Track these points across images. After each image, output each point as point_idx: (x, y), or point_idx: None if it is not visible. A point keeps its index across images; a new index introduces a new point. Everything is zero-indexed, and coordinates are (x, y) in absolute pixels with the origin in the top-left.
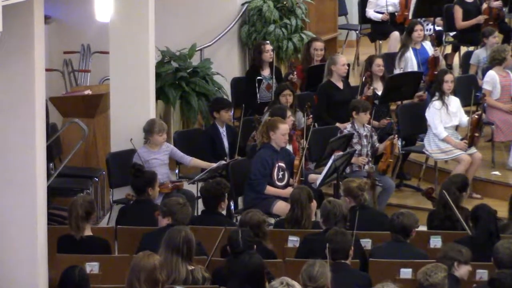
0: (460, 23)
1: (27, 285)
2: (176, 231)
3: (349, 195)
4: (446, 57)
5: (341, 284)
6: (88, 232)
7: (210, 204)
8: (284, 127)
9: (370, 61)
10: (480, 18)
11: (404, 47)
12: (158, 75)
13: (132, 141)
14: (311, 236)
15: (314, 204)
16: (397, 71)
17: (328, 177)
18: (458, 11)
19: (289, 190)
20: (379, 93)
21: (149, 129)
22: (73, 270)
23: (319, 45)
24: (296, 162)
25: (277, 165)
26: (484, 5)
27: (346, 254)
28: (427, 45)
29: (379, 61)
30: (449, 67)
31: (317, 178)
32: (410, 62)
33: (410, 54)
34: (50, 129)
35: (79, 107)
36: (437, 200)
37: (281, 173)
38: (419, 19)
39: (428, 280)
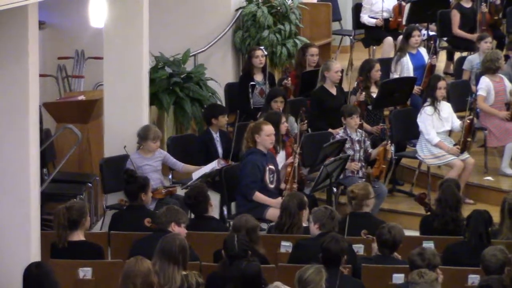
0: (457, 29)
1: None
2: (170, 239)
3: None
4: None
5: None
6: (80, 237)
7: (199, 210)
8: (268, 128)
9: (369, 66)
10: (474, 36)
11: (400, 51)
12: (152, 81)
13: (126, 149)
14: (304, 242)
15: (306, 211)
16: (393, 75)
17: (320, 183)
18: (456, 16)
19: (279, 200)
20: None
21: (144, 136)
22: (30, 267)
23: (313, 50)
24: (288, 169)
25: (267, 168)
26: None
27: (339, 261)
28: (423, 51)
29: (378, 66)
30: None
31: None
32: (406, 67)
33: (406, 59)
34: (44, 134)
35: (73, 113)
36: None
37: (271, 175)
38: (416, 25)
39: (423, 277)
